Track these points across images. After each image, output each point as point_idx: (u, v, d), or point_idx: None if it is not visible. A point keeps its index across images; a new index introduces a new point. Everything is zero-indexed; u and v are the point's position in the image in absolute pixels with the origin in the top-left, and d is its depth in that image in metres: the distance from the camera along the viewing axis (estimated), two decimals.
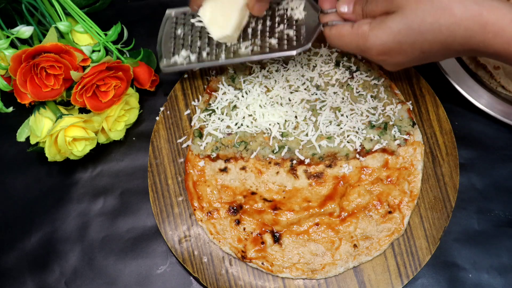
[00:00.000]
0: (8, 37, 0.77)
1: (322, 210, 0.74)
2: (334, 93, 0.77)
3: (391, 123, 0.76)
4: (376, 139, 0.75)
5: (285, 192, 0.75)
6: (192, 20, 0.74)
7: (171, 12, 0.75)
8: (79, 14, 0.79)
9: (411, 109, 0.78)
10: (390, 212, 0.73)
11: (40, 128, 0.75)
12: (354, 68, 0.79)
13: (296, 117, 0.77)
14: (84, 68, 0.75)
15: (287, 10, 0.71)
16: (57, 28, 0.77)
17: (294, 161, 0.76)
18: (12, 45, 0.78)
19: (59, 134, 0.72)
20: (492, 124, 0.78)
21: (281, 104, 0.77)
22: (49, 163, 0.78)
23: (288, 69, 0.79)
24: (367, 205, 0.74)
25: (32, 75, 0.73)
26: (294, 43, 0.69)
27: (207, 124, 0.77)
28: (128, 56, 0.83)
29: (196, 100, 0.80)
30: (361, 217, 0.73)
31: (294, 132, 0.76)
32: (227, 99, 0.78)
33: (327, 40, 0.68)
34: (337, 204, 0.74)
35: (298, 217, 0.74)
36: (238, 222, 0.74)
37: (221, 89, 0.79)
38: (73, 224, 0.78)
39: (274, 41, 0.70)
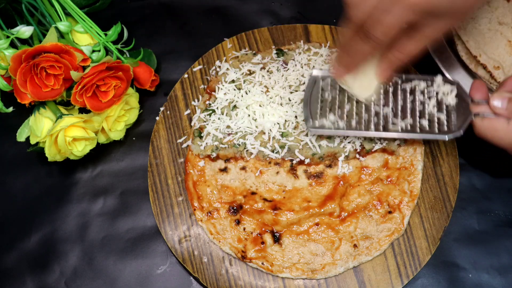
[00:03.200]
0: (8, 37, 0.77)
1: (322, 210, 0.74)
2: None
3: None
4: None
5: (285, 192, 0.75)
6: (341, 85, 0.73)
7: (318, 74, 0.73)
8: (79, 14, 0.79)
9: None
10: (390, 212, 0.73)
11: (40, 128, 0.75)
12: None
13: (296, 117, 0.76)
14: (84, 68, 0.75)
15: (437, 93, 0.71)
16: (57, 28, 0.77)
17: (294, 161, 0.76)
18: (12, 45, 0.78)
19: (59, 134, 0.72)
20: None
21: (281, 104, 0.77)
22: (49, 163, 0.78)
23: (288, 69, 0.79)
24: (367, 205, 0.74)
25: (32, 75, 0.73)
26: (445, 127, 0.69)
27: (207, 124, 0.77)
28: (128, 56, 0.83)
29: (196, 100, 0.80)
30: (361, 217, 0.73)
31: (294, 132, 0.76)
32: (227, 99, 0.78)
33: (476, 130, 0.67)
34: (337, 204, 0.74)
35: (298, 217, 0.74)
36: (238, 222, 0.74)
37: (221, 89, 0.79)
38: (73, 224, 0.78)
39: (425, 123, 0.70)
